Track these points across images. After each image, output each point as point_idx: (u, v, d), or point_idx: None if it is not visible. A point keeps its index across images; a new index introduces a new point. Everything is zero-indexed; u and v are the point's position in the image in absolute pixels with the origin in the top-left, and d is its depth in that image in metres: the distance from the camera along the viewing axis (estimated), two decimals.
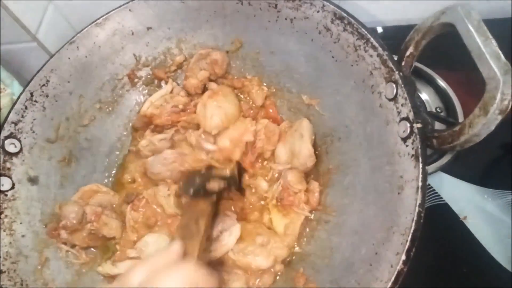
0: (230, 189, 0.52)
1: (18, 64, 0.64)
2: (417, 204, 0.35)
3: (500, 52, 0.29)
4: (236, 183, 0.52)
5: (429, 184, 0.57)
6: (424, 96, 0.65)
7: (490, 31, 0.31)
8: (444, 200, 0.55)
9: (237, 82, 0.59)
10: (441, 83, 0.64)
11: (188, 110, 0.57)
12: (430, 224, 0.53)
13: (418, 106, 0.38)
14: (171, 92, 0.59)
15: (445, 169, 0.57)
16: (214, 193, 0.49)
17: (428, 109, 0.63)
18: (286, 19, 0.53)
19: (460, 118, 0.60)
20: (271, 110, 0.59)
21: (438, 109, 0.63)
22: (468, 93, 0.61)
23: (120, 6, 0.55)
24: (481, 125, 0.30)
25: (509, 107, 0.29)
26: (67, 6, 0.66)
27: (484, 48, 0.30)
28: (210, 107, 0.54)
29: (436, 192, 0.56)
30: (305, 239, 0.50)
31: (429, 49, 0.58)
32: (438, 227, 0.54)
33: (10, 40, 0.60)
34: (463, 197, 0.56)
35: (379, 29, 0.75)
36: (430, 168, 0.56)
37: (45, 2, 0.63)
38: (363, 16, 0.73)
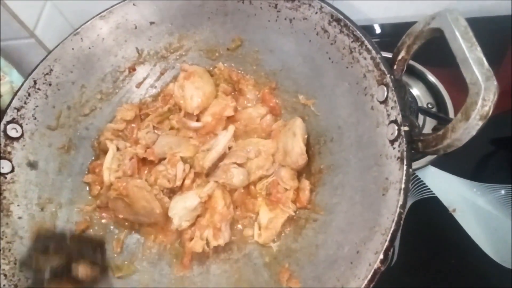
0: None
1: (16, 60, 0.66)
2: (399, 205, 0.35)
3: (483, 58, 0.30)
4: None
5: (419, 178, 0.58)
6: (416, 91, 0.66)
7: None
8: (434, 194, 0.56)
9: (235, 75, 0.60)
10: (432, 79, 0.65)
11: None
12: (419, 217, 0.55)
13: (406, 109, 0.39)
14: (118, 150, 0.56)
15: (436, 163, 0.58)
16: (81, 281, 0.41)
17: (420, 105, 0.64)
18: (285, 19, 0.54)
19: (451, 113, 0.61)
20: (271, 104, 0.59)
21: (429, 105, 0.64)
22: (458, 89, 0.63)
23: (124, 0, 0.56)
24: (463, 130, 0.31)
25: (490, 113, 0.29)
26: (64, 3, 0.68)
27: (469, 54, 0.30)
28: (188, 89, 0.56)
29: (426, 186, 0.57)
30: (293, 236, 0.51)
31: (421, 46, 0.59)
32: (428, 219, 0.56)
33: (8, 36, 0.62)
34: (452, 191, 0.57)
35: (377, 27, 0.76)
36: (420, 162, 0.57)
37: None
38: (361, 14, 0.75)
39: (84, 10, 0.58)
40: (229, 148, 0.54)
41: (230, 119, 0.57)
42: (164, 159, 0.54)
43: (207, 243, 0.49)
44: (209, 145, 0.55)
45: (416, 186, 0.58)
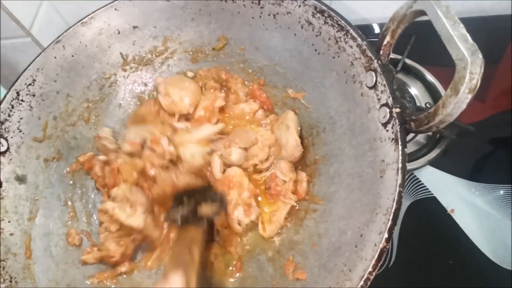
0: (220, 212, 0.50)
1: (12, 59, 0.64)
2: (398, 184, 0.36)
3: (467, 34, 0.31)
4: (224, 207, 0.50)
5: (417, 178, 0.59)
6: (414, 91, 0.67)
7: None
8: (432, 194, 0.57)
9: (224, 74, 0.60)
10: (430, 78, 0.65)
11: None
12: (417, 217, 0.55)
13: (396, 92, 0.40)
14: None
15: (434, 163, 0.58)
16: (205, 218, 0.48)
17: (418, 104, 0.64)
18: (269, 14, 0.55)
19: None
20: (261, 99, 0.60)
21: (427, 104, 0.65)
22: None
23: (106, 5, 0.56)
24: (453, 104, 0.32)
25: (478, 86, 0.30)
26: (61, 2, 0.66)
27: (452, 31, 0.31)
28: (174, 93, 0.56)
29: (425, 186, 0.58)
30: (294, 229, 0.51)
31: (418, 45, 0.60)
32: (426, 220, 0.56)
33: (4, 36, 0.60)
34: (451, 191, 0.58)
35: (375, 26, 0.77)
36: (419, 162, 0.57)
37: None
38: (359, 14, 0.76)
39: (80, 8, 0.57)
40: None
41: (223, 115, 0.57)
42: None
43: (239, 223, 0.50)
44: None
45: (414, 186, 0.58)
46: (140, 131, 0.55)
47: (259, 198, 0.53)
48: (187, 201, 0.49)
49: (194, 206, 0.49)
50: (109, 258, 0.49)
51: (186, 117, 0.58)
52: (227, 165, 0.54)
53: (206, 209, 0.48)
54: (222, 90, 0.59)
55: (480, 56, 0.30)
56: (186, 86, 0.58)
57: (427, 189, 0.58)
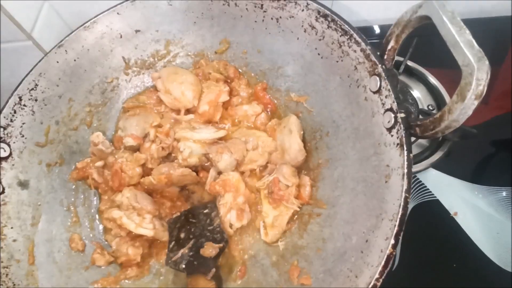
0: (224, 249, 0.48)
1: (13, 63, 0.64)
2: (404, 190, 0.36)
3: (473, 40, 0.31)
4: (226, 240, 0.48)
5: (420, 181, 0.58)
6: (416, 93, 0.66)
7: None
8: (435, 197, 0.57)
9: (233, 72, 0.60)
10: (433, 80, 0.66)
11: None
12: (421, 220, 0.55)
13: (400, 97, 0.40)
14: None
15: (437, 166, 0.58)
16: (211, 260, 0.45)
17: (420, 107, 0.64)
18: (272, 18, 0.55)
19: None
20: (265, 100, 0.59)
21: (430, 107, 0.65)
22: None
23: (108, 9, 0.56)
24: (459, 110, 0.32)
25: (484, 92, 0.30)
26: (62, 4, 0.66)
27: (458, 37, 0.31)
28: (174, 88, 0.56)
29: (428, 189, 0.58)
30: (298, 233, 0.51)
31: (421, 47, 0.59)
32: (429, 222, 0.56)
33: (5, 39, 0.60)
34: (454, 194, 0.58)
35: (376, 28, 0.77)
36: (421, 165, 0.58)
37: (40, 1, 0.63)
38: (360, 15, 0.76)
39: (81, 11, 0.57)
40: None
41: (227, 113, 0.57)
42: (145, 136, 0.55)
43: (231, 226, 0.50)
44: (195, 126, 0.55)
45: (417, 189, 0.58)
46: (140, 123, 0.55)
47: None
48: (186, 239, 0.47)
49: (195, 246, 0.47)
50: (129, 262, 0.48)
51: (190, 111, 0.58)
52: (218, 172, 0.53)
53: (208, 249, 0.46)
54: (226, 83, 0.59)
55: (487, 62, 0.30)
56: (184, 78, 0.57)
57: (430, 192, 0.57)
